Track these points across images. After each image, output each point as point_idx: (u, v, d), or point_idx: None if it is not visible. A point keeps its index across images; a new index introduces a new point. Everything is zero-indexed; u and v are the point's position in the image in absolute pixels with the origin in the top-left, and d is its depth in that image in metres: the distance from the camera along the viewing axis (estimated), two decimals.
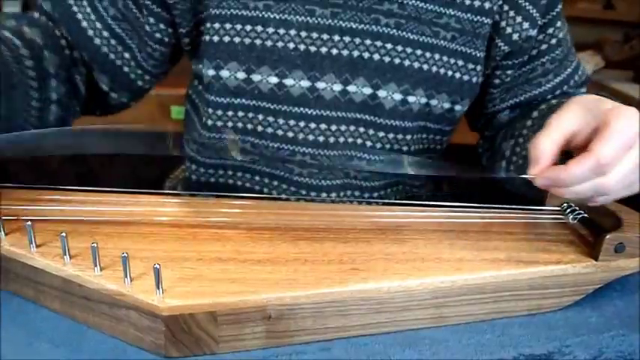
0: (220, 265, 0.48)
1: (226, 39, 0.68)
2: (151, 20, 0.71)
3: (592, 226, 0.58)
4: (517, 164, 0.75)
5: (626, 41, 1.97)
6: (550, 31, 0.76)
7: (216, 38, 0.68)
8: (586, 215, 0.59)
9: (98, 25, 0.71)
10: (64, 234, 0.46)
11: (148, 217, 0.56)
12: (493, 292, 0.51)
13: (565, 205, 0.61)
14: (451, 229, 0.58)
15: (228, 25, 0.67)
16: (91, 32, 0.71)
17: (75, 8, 0.71)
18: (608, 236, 0.53)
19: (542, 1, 0.74)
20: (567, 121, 0.53)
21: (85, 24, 0.71)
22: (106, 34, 0.72)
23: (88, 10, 0.71)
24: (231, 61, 0.69)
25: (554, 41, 0.77)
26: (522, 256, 0.54)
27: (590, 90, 1.88)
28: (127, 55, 0.74)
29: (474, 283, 0.50)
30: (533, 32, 0.75)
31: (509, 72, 0.79)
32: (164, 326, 0.43)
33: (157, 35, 0.72)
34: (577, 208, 0.60)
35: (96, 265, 0.46)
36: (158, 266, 0.43)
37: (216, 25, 0.68)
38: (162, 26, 0.71)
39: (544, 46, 0.77)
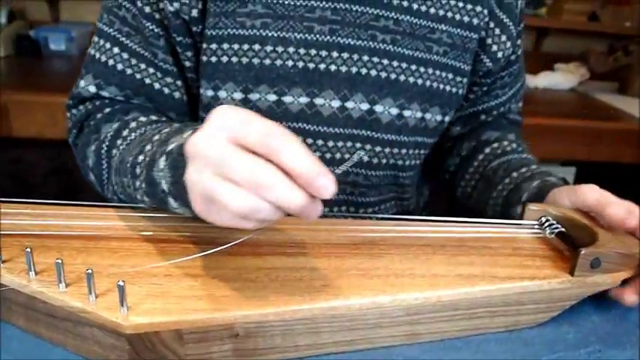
0: (188, 282, 0.47)
1: (224, 59, 0.67)
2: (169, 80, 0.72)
3: (569, 241, 0.57)
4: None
5: (611, 53, 1.97)
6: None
7: (213, 59, 0.67)
8: (563, 230, 0.58)
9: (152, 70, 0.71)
10: (28, 249, 0.45)
11: (118, 231, 0.55)
12: (467, 309, 0.51)
13: (543, 219, 0.61)
14: (428, 243, 0.57)
15: (225, 46, 0.67)
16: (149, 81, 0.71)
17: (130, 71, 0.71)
18: (583, 251, 0.52)
19: (517, 19, 0.75)
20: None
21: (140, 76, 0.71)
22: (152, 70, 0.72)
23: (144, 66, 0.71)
24: (229, 82, 0.68)
25: (513, 57, 0.80)
26: (497, 271, 0.53)
27: (577, 101, 1.90)
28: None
29: (447, 299, 0.49)
30: (511, 50, 0.76)
31: (484, 88, 0.80)
32: (128, 344, 0.42)
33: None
34: (554, 222, 0.60)
35: (61, 282, 0.45)
36: (122, 283, 0.42)
37: (214, 46, 0.67)
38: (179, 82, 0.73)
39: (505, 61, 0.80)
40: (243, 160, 0.39)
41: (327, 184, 0.39)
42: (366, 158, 0.73)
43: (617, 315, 0.58)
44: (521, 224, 0.62)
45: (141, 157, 0.54)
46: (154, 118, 0.68)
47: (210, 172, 0.40)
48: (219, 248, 0.51)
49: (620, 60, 1.94)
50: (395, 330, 0.49)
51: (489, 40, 0.75)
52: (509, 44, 0.76)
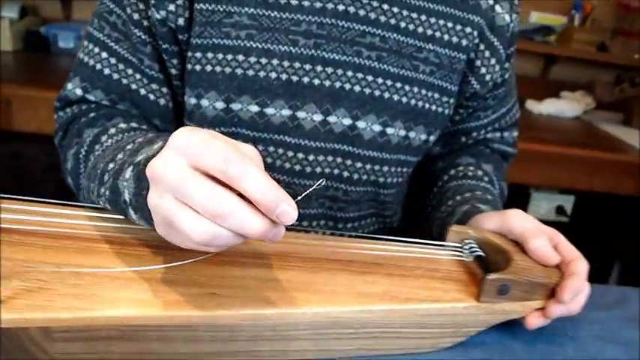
0: (75, 280, 0.46)
1: (208, 68, 0.67)
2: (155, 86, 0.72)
3: (485, 265, 0.55)
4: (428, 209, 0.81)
5: (618, 83, 1.94)
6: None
7: (198, 67, 0.67)
8: (481, 254, 0.57)
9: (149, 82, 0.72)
10: None
11: (41, 226, 0.53)
12: (362, 328, 0.49)
13: (466, 241, 0.59)
14: (338, 259, 0.56)
15: (210, 55, 0.67)
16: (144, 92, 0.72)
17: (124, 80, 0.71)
18: (490, 277, 0.51)
19: (507, 42, 0.74)
20: None
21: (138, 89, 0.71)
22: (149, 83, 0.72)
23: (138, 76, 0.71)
24: (211, 91, 0.68)
25: (500, 80, 0.77)
26: (400, 291, 0.51)
27: (581, 130, 1.88)
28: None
29: (337, 316, 0.48)
30: (500, 74, 0.76)
31: (469, 110, 0.79)
32: None
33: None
34: (475, 245, 0.58)
35: None
36: None
37: (198, 55, 0.67)
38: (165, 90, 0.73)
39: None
40: (202, 187, 0.38)
41: (287, 211, 0.38)
42: (346, 173, 0.72)
43: (594, 348, 0.57)
44: (444, 246, 0.60)
45: (111, 165, 0.54)
46: (134, 125, 0.68)
47: (170, 197, 0.40)
48: (140, 268, 0.49)
49: (626, 91, 1.91)
50: (279, 345, 0.48)
51: (478, 62, 0.74)
52: (497, 67, 0.75)
